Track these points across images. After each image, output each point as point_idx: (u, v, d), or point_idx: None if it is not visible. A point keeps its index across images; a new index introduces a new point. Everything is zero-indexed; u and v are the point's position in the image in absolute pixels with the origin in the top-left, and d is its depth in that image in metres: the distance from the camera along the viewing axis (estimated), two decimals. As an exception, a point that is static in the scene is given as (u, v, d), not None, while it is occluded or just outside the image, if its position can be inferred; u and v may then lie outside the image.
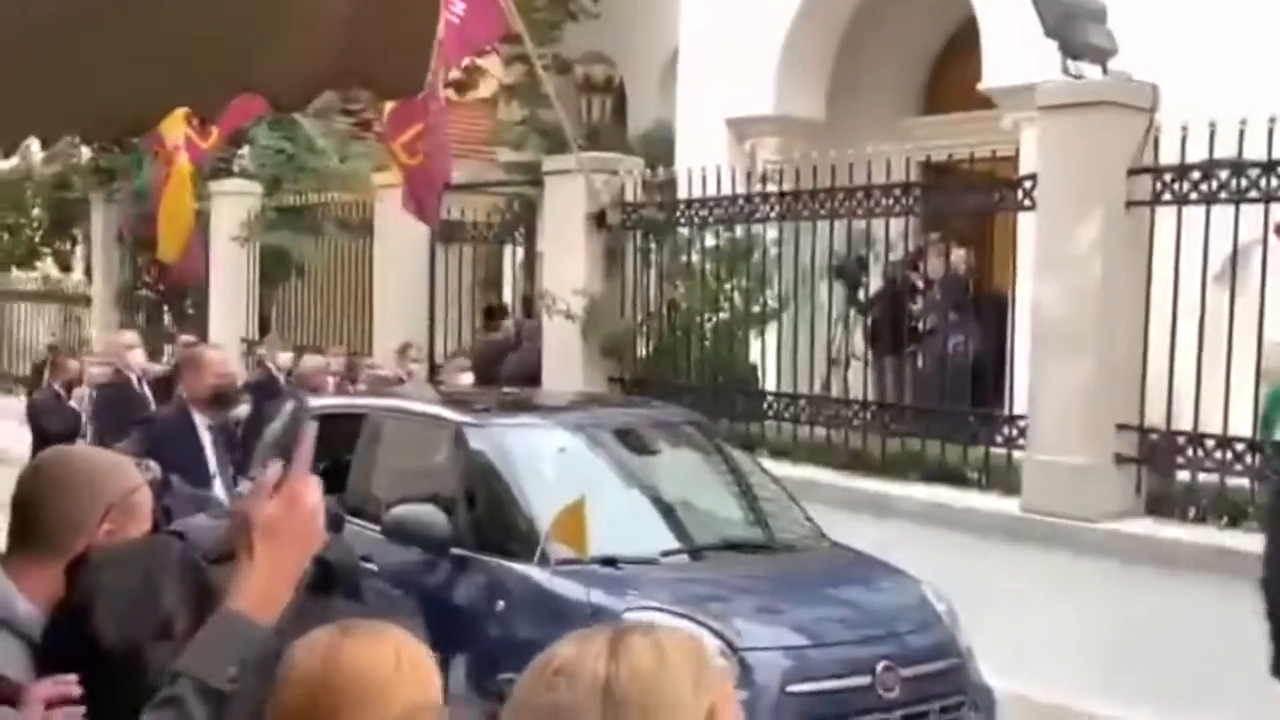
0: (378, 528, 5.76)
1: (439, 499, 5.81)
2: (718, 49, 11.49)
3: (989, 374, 8.55)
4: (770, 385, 8.93)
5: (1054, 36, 6.88)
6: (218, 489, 5.56)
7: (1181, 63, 7.38)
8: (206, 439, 5.82)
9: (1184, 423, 6.59)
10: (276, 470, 1.63)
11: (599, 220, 9.54)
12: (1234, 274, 6.53)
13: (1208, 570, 6.12)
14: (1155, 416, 6.69)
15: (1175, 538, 6.37)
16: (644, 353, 9.51)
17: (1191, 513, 6.54)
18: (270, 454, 6.01)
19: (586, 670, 1.29)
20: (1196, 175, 6.45)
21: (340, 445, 6.28)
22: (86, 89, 2.49)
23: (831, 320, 8.82)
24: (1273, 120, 6.07)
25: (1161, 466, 6.69)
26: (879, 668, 4.97)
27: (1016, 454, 7.23)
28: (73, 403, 9.57)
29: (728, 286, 9.04)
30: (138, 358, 8.94)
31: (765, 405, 8.65)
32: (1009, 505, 7.03)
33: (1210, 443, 6.45)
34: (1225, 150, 6.31)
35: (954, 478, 7.54)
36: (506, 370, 10.14)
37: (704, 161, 9.05)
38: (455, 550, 5.58)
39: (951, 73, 11.77)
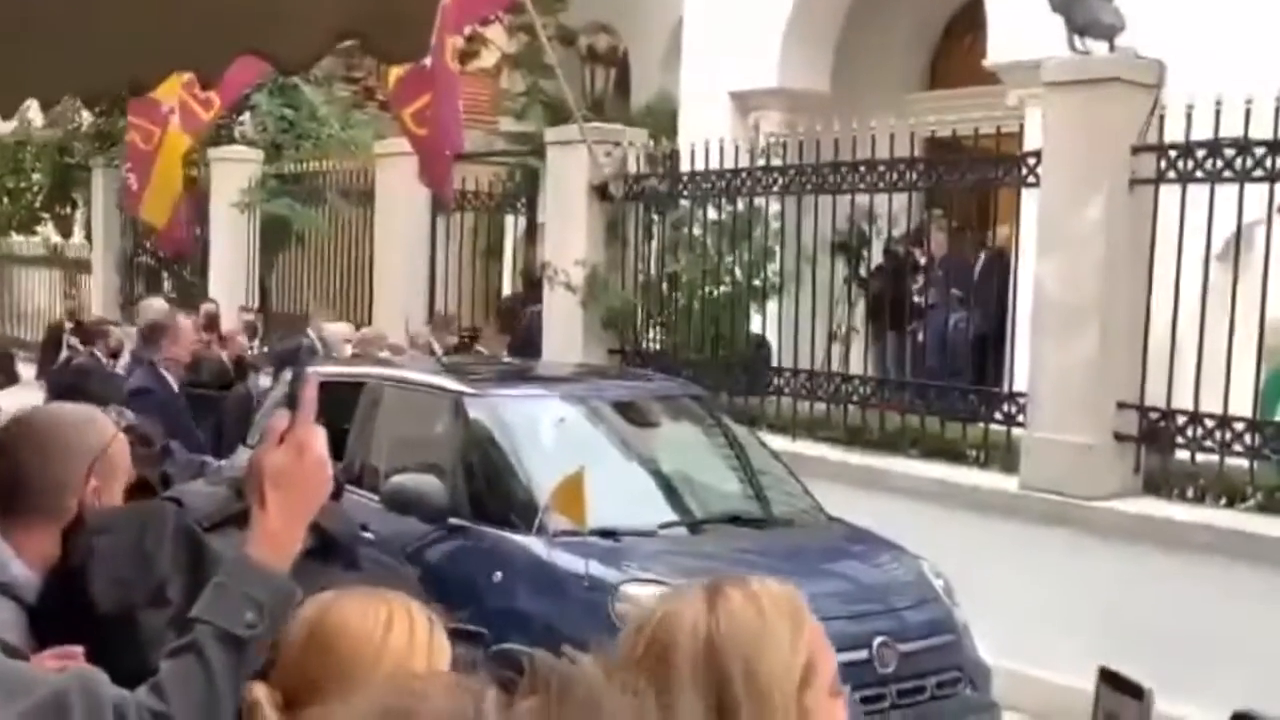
0: (376, 497, 5.77)
1: (438, 469, 5.82)
2: (722, 21, 11.42)
3: (990, 351, 8.55)
4: (771, 360, 8.92)
5: (1060, 12, 6.83)
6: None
7: (1188, 40, 7.33)
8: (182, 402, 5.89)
9: (1184, 402, 6.58)
10: (283, 420, 1.64)
11: (601, 192, 9.50)
12: (1237, 253, 6.51)
13: (1206, 550, 6.12)
14: (1155, 396, 6.68)
15: (1173, 517, 6.37)
16: (645, 325, 9.49)
17: (1190, 492, 6.54)
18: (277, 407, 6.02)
19: (688, 623, 1.32)
20: (1201, 154, 6.41)
21: (339, 414, 6.27)
22: (86, 50, 2.47)
23: (833, 295, 8.79)
24: (1279, 100, 6.03)
25: (1161, 446, 6.68)
26: (876, 643, 4.98)
27: (1016, 431, 7.22)
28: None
29: (729, 260, 9.01)
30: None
31: (765, 380, 8.63)
32: (1008, 482, 7.03)
33: (1210, 422, 6.44)
34: (1231, 129, 6.27)
35: (953, 454, 7.54)
36: (514, 343, 10.14)
37: (707, 134, 9.00)
38: (453, 520, 5.58)
39: (957, 48, 11.72)
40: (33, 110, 12.31)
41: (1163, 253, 6.64)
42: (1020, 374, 7.44)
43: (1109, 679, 1.46)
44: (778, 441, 7.49)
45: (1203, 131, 6.37)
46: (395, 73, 8.67)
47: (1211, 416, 6.42)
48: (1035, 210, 7.26)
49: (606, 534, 5.35)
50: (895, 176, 7.97)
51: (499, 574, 5.35)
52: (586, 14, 13.00)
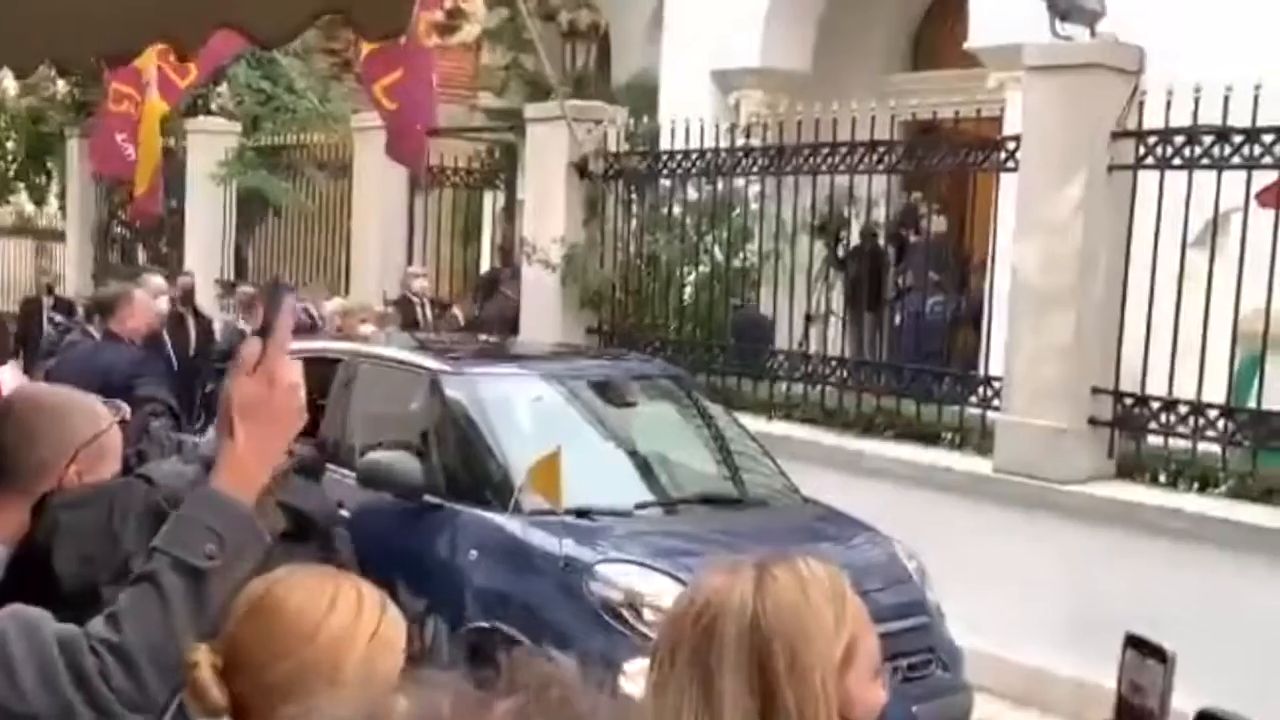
0: (351, 474, 5.75)
1: (414, 446, 5.80)
2: (704, -1, 11.39)
3: (966, 334, 8.57)
4: (772, 338, 8.91)
5: (1043, -3, 6.83)
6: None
7: (1168, 27, 7.35)
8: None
9: (1159, 388, 6.61)
10: (254, 349, 1.58)
11: (581, 169, 9.46)
12: (1214, 240, 6.54)
13: (1178, 535, 6.17)
14: (1130, 381, 6.71)
15: (1146, 501, 6.42)
16: (623, 304, 9.48)
17: (1163, 477, 6.58)
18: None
19: (734, 602, 1.37)
20: (1180, 140, 6.44)
21: (314, 389, 6.24)
22: (60, 19, 2.43)
23: (810, 277, 8.80)
24: (1258, 88, 6.05)
25: (1135, 431, 6.72)
26: (848, 624, 4.99)
27: (991, 414, 7.25)
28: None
29: (708, 240, 9.00)
30: (164, 305, 8.86)
31: (765, 358, 8.62)
32: (982, 465, 7.07)
33: (1184, 408, 6.48)
34: (1210, 116, 6.29)
35: (928, 437, 7.57)
36: (484, 317, 10.12)
37: (688, 113, 8.98)
38: (429, 498, 5.57)
39: (939, 30, 11.72)
40: (7, 79, 12.18)
41: (1140, 238, 6.67)
42: (996, 357, 7.47)
43: (1135, 644, 1.49)
44: (754, 422, 7.50)
45: (1181, 119, 6.39)
46: (367, 47, 8.59)
47: (1185, 402, 6.47)
48: (1014, 194, 7.27)
49: (582, 514, 5.34)
50: (875, 159, 7.97)
51: (474, 552, 5.35)
52: (568, -11, 12.93)
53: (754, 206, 8.75)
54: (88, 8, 2.43)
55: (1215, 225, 6.54)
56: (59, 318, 11.56)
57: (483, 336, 9.01)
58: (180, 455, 3.31)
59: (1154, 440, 6.72)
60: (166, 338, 9.00)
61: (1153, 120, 6.57)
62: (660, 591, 4.93)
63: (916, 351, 8.66)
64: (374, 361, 6.60)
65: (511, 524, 5.30)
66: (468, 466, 5.75)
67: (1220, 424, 6.39)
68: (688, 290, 9.11)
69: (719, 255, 8.97)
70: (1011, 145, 7.23)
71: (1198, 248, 6.63)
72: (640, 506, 5.69)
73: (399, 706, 0.74)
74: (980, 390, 7.45)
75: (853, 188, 8.49)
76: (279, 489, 2.88)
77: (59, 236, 17.55)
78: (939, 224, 9.35)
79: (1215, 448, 6.44)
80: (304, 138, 13.43)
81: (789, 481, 6.32)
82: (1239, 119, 6.21)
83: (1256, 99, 6.08)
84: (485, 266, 12.71)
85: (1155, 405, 6.59)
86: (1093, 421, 6.70)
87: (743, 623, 1.36)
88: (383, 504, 5.62)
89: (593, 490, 5.51)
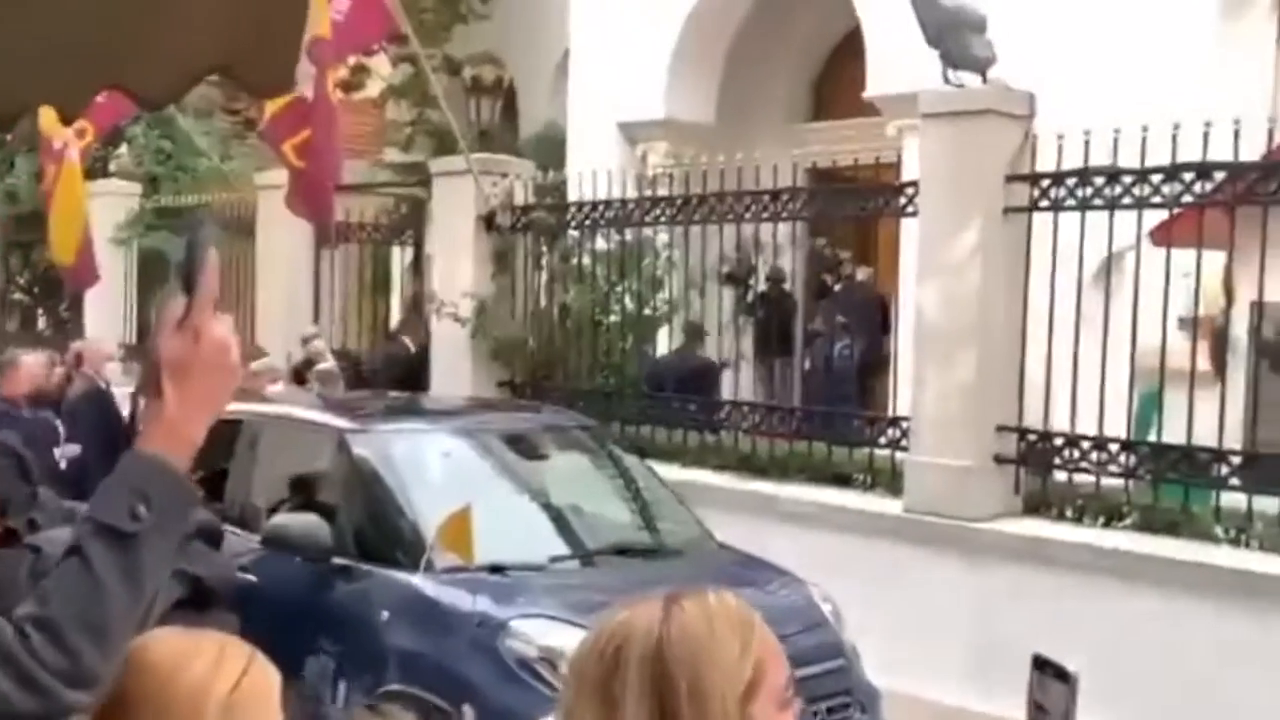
0: (257, 538, 5.63)
1: (321, 507, 5.70)
2: (608, 52, 11.51)
3: (876, 376, 8.69)
4: (718, 386, 8.94)
5: (935, 46, 7.00)
6: None
7: (1058, 73, 7.57)
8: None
9: (1061, 424, 6.74)
10: (179, 306, 1.53)
11: (488, 222, 9.46)
12: (1109, 279, 6.71)
13: (1084, 569, 6.27)
14: (1033, 418, 6.84)
15: (1053, 537, 6.52)
16: (534, 356, 9.46)
17: (1069, 512, 6.69)
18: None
19: (640, 631, 1.40)
20: (1072, 182, 6.61)
21: (217, 454, 6.12)
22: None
23: (720, 324, 8.86)
24: (1145, 129, 6.24)
25: (1040, 467, 6.83)
26: (766, 670, 4.98)
27: (900, 455, 7.33)
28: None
29: (619, 290, 9.03)
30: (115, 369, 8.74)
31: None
32: (893, 506, 7.13)
33: (1086, 444, 6.61)
34: (1100, 158, 6.47)
35: (841, 479, 7.63)
36: (373, 365, 10.01)
37: (595, 164, 9.03)
38: (338, 559, 5.47)
39: (839, 80, 11.94)
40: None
41: (1037, 279, 6.82)
42: (904, 398, 7.57)
43: (1039, 665, 1.52)
44: (669, 470, 7.51)
45: (1073, 161, 6.56)
46: (271, 107, 8.51)
47: (1087, 438, 6.60)
48: (915, 238, 7.40)
49: (495, 569, 5.28)
50: (779, 206, 8.07)
51: (385, 613, 5.25)
52: (473, 45, 12.99)
53: (664, 256, 8.81)
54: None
55: (1109, 264, 6.71)
56: None
57: (365, 392, 8.90)
58: (74, 525, 3.22)
59: (1059, 476, 6.84)
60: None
61: (1045, 163, 6.75)
62: (577, 645, 4.89)
63: (827, 395, 8.75)
64: (279, 422, 6.49)
65: (423, 583, 5.21)
66: (377, 526, 5.66)
67: (1122, 458, 6.52)
68: (601, 340, 9.11)
69: (630, 305, 9.00)
70: (910, 190, 7.37)
71: (1094, 286, 6.81)
72: (555, 560, 5.64)
73: None
74: (889, 431, 7.54)
75: (758, 235, 8.58)
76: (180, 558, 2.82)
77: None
78: (863, 272, 9.50)
79: (1119, 481, 6.57)
80: (206, 197, 13.25)
81: (704, 529, 6.31)
82: (1128, 160, 6.40)
83: (1144, 140, 6.28)
84: (395, 322, 12.61)
85: (1058, 441, 6.72)
86: (998, 459, 6.81)
87: (646, 650, 1.39)
88: (291, 567, 5.51)
89: (506, 545, 5.45)
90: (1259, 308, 6.28)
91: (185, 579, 2.65)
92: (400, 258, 12.60)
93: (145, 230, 13.35)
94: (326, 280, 11.66)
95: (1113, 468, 6.55)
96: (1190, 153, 6.14)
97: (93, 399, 8.62)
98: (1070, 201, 6.64)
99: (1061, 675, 1.46)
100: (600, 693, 1.40)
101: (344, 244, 11.53)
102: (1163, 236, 6.58)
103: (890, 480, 7.34)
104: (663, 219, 8.75)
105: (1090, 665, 5.99)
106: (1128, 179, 6.42)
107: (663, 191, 8.92)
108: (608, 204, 8.87)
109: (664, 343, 9.19)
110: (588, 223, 9.08)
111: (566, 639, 4.93)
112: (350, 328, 11.75)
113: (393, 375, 9.44)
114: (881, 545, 6.91)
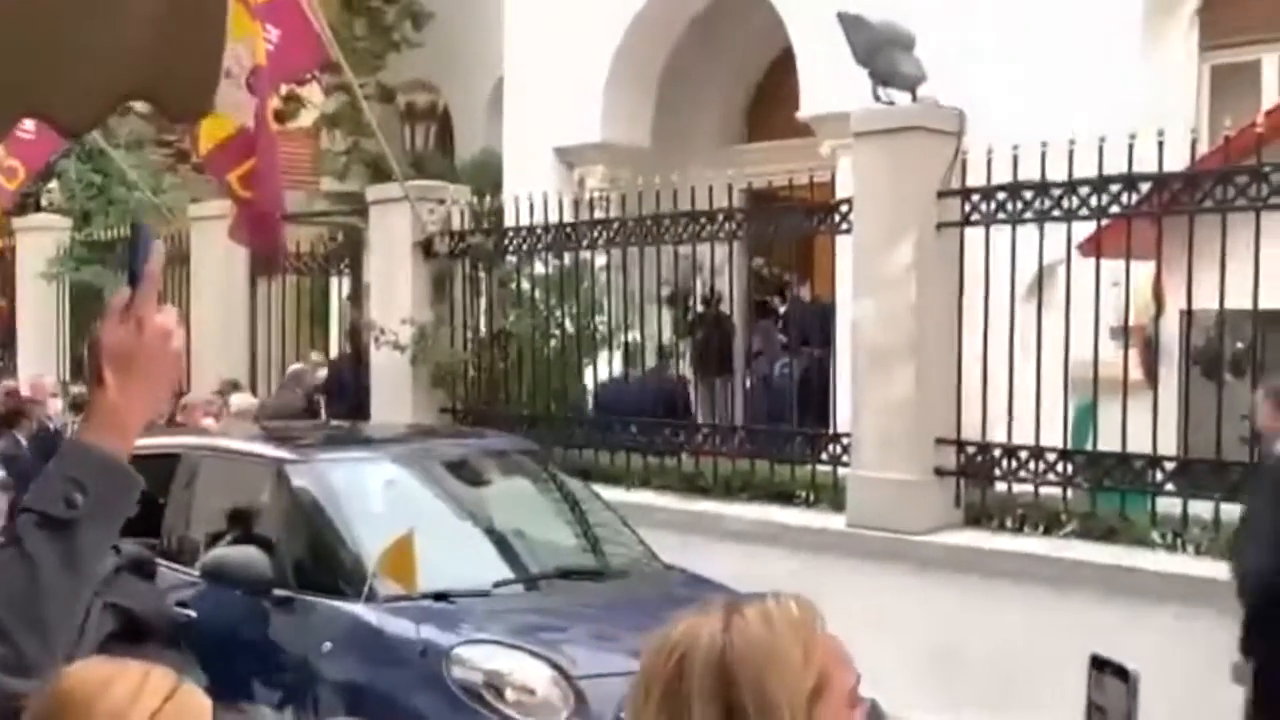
0: (196, 572, 5.55)
1: (260, 539, 5.63)
2: (543, 77, 11.52)
3: (816, 393, 8.73)
4: (690, 405, 8.92)
5: (865, 65, 7.08)
6: None
7: (986, 89, 7.69)
8: None
9: (999, 436, 6.81)
10: (124, 296, 1.54)
11: (426, 249, 9.42)
12: (1041, 291, 6.80)
13: (1025, 578, 6.33)
14: (972, 431, 6.90)
15: (994, 547, 6.57)
16: (476, 382, 9.42)
17: (1009, 522, 6.76)
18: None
19: (703, 640, 1.42)
20: (1002, 196, 6.70)
21: (153, 487, 6.02)
22: None
23: (661, 345, 8.87)
24: (1072, 142, 6.35)
25: (979, 479, 6.90)
26: (712, 688, 4.97)
27: (842, 471, 7.37)
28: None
29: (558, 314, 9.02)
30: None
31: (599, 432, 8.63)
32: (836, 521, 7.17)
33: (1024, 454, 6.68)
34: (1030, 172, 6.57)
35: (783, 496, 7.65)
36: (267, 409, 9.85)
37: (532, 189, 9.03)
38: (278, 591, 5.40)
39: (772, 101, 12.04)
40: None
41: (971, 292, 6.91)
42: (845, 415, 7.61)
43: (1097, 665, 1.52)
44: (613, 493, 7.49)
45: (1003, 175, 6.66)
46: (210, 138, 8.42)
47: (1025, 448, 6.67)
48: (850, 255, 7.46)
49: (439, 596, 5.24)
50: (716, 227, 8.11)
51: (328, 644, 5.19)
52: (406, 72, 12.97)
53: (602, 278, 8.81)
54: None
55: (1041, 276, 6.81)
56: None
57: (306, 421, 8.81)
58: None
59: (999, 487, 6.91)
60: None
61: (976, 178, 6.84)
62: (522, 669, 4.86)
63: (769, 413, 8.78)
64: (216, 454, 6.41)
65: (366, 613, 5.16)
66: (318, 556, 5.60)
67: (1060, 467, 6.60)
68: (541, 364, 9.09)
69: (570, 328, 8.99)
70: (845, 208, 7.44)
71: (1027, 299, 6.90)
72: (499, 585, 5.61)
73: None
74: (830, 447, 7.58)
75: (695, 256, 8.62)
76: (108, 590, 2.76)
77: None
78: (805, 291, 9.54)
79: (1057, 490, 6.65)
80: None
81: (649, 550, 6.31)
82: (1057, 173, 6.50)
83: (1071, 153, 6.38)
84: (334, 352, 12.51)
85: (997, 452, 6.79)
86: (939, 472, 6.86)
87: (710, 659, 1.41)
88: (232, 600, 5.43)
89: (450, 572, 5.42)
90: (1188, 316, 6.39)
91: (117, 612, 2.59)
92: (338, 287, 12.50)
93: (77, 265, 13.15)
94: (263, 311, 11.54)
95: (1051, 477, 6.62)
96: (1117, 165, 6.26)
97: (43, 439, 8.46)
98: (1001, 215, 6.73)
99: (1121, 674, 1.46)
100: (666, 701, 1.43)
101: (281, 275, 11.42)
102: (1091, 248, 6.68)
103: (833, 496, 7.37)
104: (600, 242, 8.76)
105: (1034, 671, 6.03)
106: (1056, 192, 6.51)
107: (600, 214, 8.94)
108: (545, 228, 8.86)
109: (605, 366, 9.19)
110: (525, 247, 9.07)
111: (512, 663, 4.91)
112: (288, 360, 11.62)
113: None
114: (825, 560, 6.93)
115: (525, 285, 9.11)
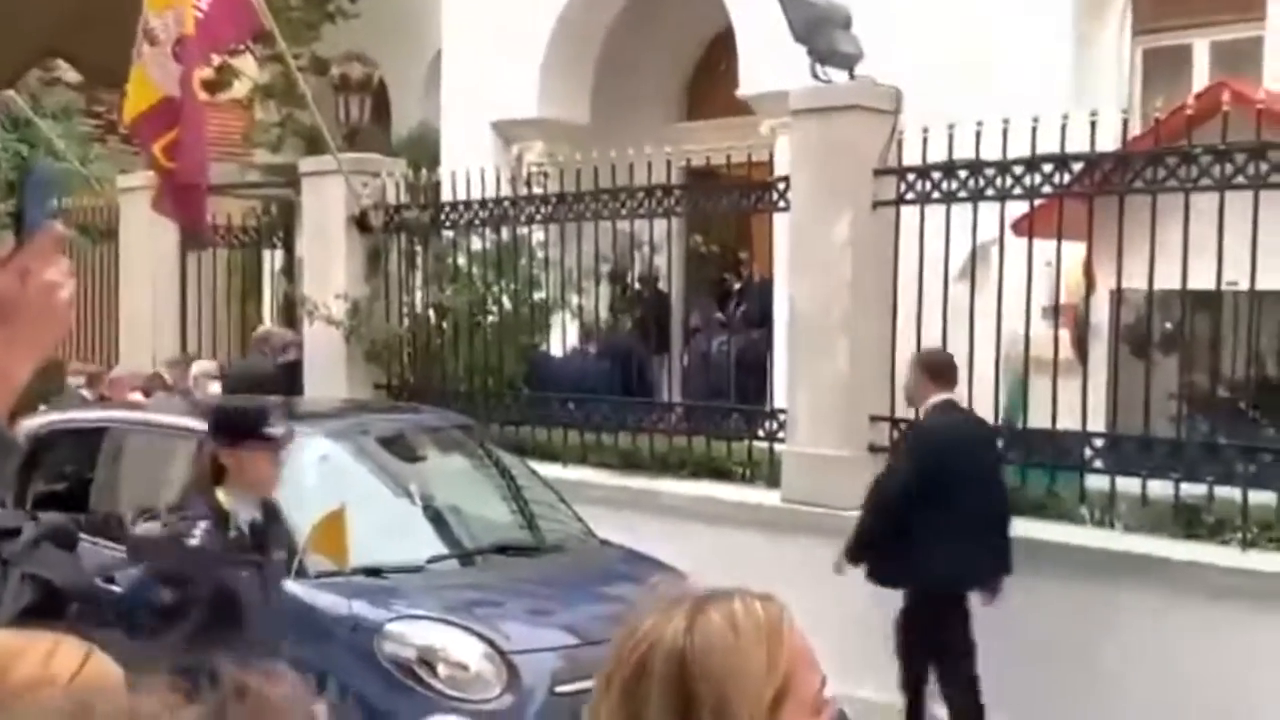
0: (122, 547, 5.45)
1: (189, 514, 5.53)
2: (480, 51, 11.41)
3: (755, 370, 8.76)
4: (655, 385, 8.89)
5: (803, 42, 7.08)
6: None
7: (923, 68, 7.72)
8: None
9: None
10: (7, 245, 1.48)
11: (360, 223, 9.31)
12: (974, 270, 6.86)
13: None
14: (905, 408, 6.95)
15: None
16: (411, 358, 9.34)
17: (941, 498, 6.81)
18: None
19: (666, 639, 1.39)
20: (937, 175, 6.75)
21: (80, 462, 5.92)
22: None
23: (598, 322, 8.84)
24: (1006, 122, 6.40)
25: (912, 455, 6.94)
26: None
27: (778, 447, 7.40)
28: None
29: (496, 289, 8.96)
30: None
31: (535, 407, 8.61)
32: (771, 497, 7.20)
33: (956, 431, 6.73)
34: (964, 151, 6.62)
35: (720, 472, 7.68)
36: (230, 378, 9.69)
37: (470, 164, 8.95)
38: (207, 567, 5.31)
39: (712, 79, 12.02)
40: None
41: (906, 271, 6.95)
42: (781, 391, 7.64)
43: None
44: (549, 469, 7.47)
45: (938, 154, 6.70)
46: (135, 107, 8.24)
47: (957, 425, 6.72)
48: (787, 233, 7.48)
49: (371, 572, 5.21)
50: (654, 203, 8.09)
51: (259, 620, 5.12)
52: (342, 44, 12.76)
53: (540, 255, 8.76)
54: None
55: (975, 255, 6.86)
56: None
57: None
58: None
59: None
60: None
61: (912, 157, 6.87)
62: (455, 645, 4.84)
63: (707, 390, 8.80)
64: (143, 428, 6.29)
65: (297, 588, 5.10)
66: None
67: (992, 444, 6.66)
68: (478, 340, 9.03)
69: (508, 304, 8.94)
70: (782, 186, 7.45)
71: (961, 278, 6.95)
72: (433, 560, 5.58)
73: (97, 707, 0.80)
74: (767, 424, 7.61)
75: (634, 232, 8.59)
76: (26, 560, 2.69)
77: None
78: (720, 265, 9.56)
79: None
80: (66, 201, 12.80)
81: (585, 526, 6.30)
82: (991, 153, 6.55)
83: (1005, 132, 6.43)
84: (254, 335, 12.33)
85: (930, 429, 6.83)
86: (873, 448, 6.91)
87: (671, 660, 1.38)
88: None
89: (382, 547, 5.38)
90: (1118, 295, 6.48)
91: (36, 584, 2.54)
92: (271, 261, 12.33)
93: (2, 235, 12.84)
94: (194, 285, 11.36)
95: (983, 454, 6.68)
96: (1050, 145, 6.32)
97: None
98: (935, 194, 6.78)
99: None
100: (626, 694, 1.40)
101: (212, 248, 11.24)
102: (1024, 227, 6.75)
103: (769, 472, 7.41)
104: (539, 217, 8.71)
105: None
106: (990, 171, 6.57)
107: (538, 190, 8.88)
108: (483, 203, 8.79)
109: (545, 341, 9.15)
110: (463, 222, 8.99)
111: (445, 639, 4.88)
112: (220, 334, 11.46)
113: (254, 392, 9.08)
114: (760, 536, 6.97)
115: (462, 261, 9.04)
